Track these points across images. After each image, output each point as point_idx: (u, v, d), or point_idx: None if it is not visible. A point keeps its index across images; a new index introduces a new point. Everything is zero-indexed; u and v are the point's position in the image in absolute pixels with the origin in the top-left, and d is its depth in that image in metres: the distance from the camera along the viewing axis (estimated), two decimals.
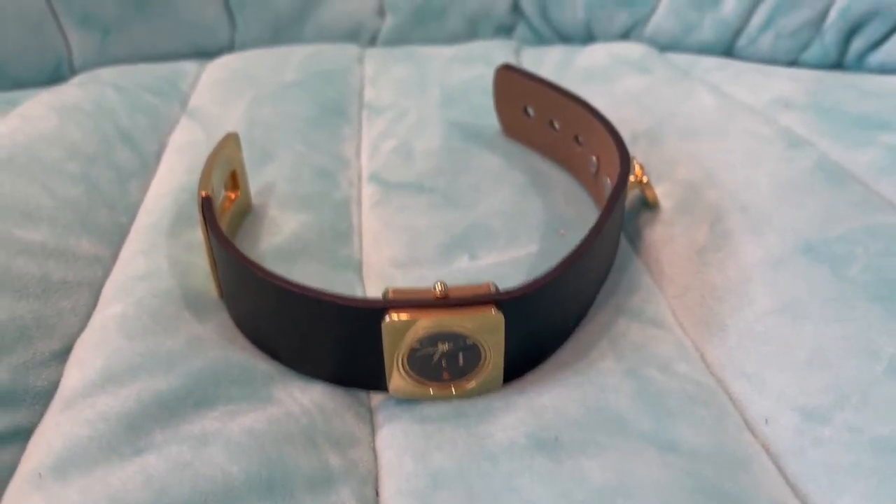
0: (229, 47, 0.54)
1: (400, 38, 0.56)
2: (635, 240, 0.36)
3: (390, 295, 0.26)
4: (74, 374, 0.28)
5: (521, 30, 0.56)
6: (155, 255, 0.34)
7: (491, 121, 0.44)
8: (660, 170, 0.39)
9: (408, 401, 0.28)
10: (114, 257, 0.35)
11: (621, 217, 0.33)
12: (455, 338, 0.26)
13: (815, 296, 0.29)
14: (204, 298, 0.32)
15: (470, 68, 0.51)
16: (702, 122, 0.41)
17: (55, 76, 0.48)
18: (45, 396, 0.28)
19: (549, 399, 0.27)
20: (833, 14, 0.45)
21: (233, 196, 0.36)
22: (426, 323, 0.26)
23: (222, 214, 0.35)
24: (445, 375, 0.27)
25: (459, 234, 0.36)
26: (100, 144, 0.40)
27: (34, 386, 0.28)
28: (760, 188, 0.35)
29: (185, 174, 0.40)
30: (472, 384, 0.27)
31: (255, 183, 0.39)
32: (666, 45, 0.52)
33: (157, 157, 0.42)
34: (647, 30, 0.52)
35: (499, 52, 0.54)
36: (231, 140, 0.35)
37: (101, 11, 0.49)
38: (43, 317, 0.30)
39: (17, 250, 0.31)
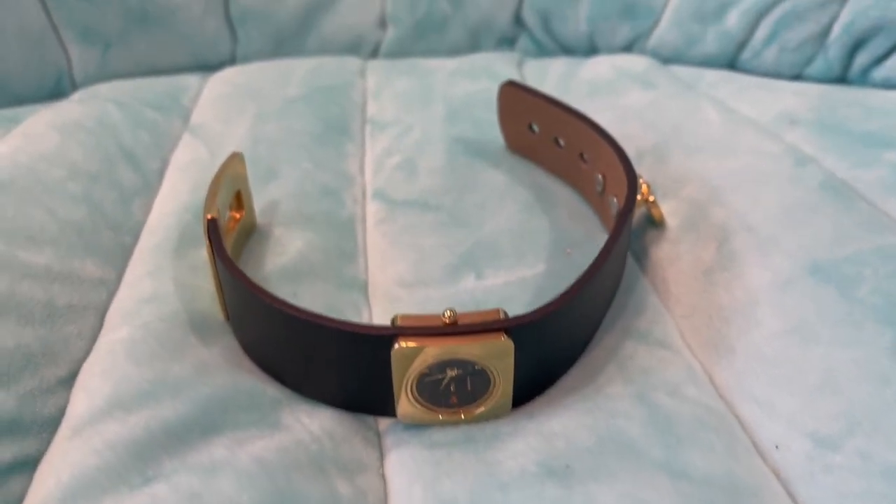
0: (231, 60, 0.54)
1: (401, 51, 0.56)
2: (641, 258, 0.36)
3: (399, 322, 0.26)
4: (82, 401, 0.28)
5: (523, 41, 0.56)
6: (160, 276, 0.34)
7: (495, 135, 0.44)
8: (665, 187, 0.39)
9: (416, 425, 0.28)
10: (119, 279, 0.34)
11: (628, 239, 0.33)
12: (464, 364, 0.26)
13: (824, 318, 0.29)
14: (210, 321, 0.32)
15: (473, 82, 0.51)
16: (707, 139, 0.41)
17: (56, 91, 0.48)
18: (52, 424, 0.28)
19: (558, 425, 0.27)
20: (837, 29, 0.45)
21: (237, 216, 0.36)
22: (435, 350, 0.25)
23: (227, 234, 0.35)
24: (454, 400, 0.27)
25: (465, 253, 0.36)
26: (102, 163, 0.40)
27: (41, 414, 0.28)
28: (767, 207, 0.35)
29: (188, 193, 0.40)
30: (480, 409, 0.27)
31: (259, 201, 0.39)
32: (669, 58, 0.52)
33: (160, 174, 0.42)
34: (649, 42, 0.52)
35: (501, 64, 0.53)
36: (236, 159, 0.35)
37: (102, 26, 0.48)
38: (49, 343, 0.30)
39: (22, 274, 0.31)
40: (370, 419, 0.29)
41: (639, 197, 0.35)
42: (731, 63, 0.50)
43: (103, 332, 0.31)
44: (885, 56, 0.44)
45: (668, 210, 0.37)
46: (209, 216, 0.31)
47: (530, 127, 0.41)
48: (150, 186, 0.41)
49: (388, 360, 0.26)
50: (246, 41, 0.54)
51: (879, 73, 0.44)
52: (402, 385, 0.26)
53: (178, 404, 0.27)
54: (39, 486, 0.25)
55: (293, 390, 0.29)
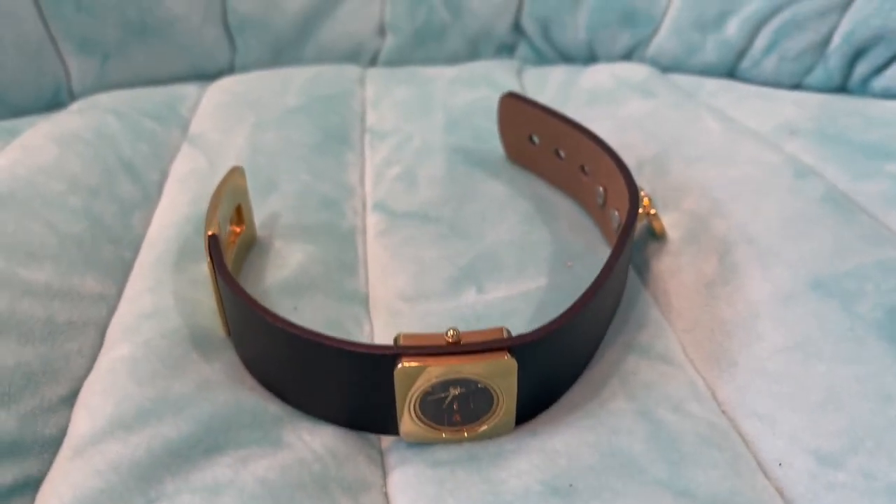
0: (229, 69, 0.54)
1: (400, 59, 0.55)
2: (643, 271, 0.36)
3: (402, 341, 0.26)
4: (83, 421, 0.28)
5: (522, 49, 0.56)
6: (161, 291, 0.34)
7: (495, 145, 0.44)
8: (666, 199, 0.39)
9: (419, 443, 0.28)
10: (119, 294, 0.34)
11: (630, 253, 0.33)
12: (467, 383, 0.26)
13: (827, 334, 0.29)
14: (211, 337, 0.32)
15: (472, 90, 0.51)
16: (707, 149, 0.41)
17: (54, 102, 0.48)
18: (53, 444, 0.28)
19: (561, 443, 0.27)
20: (837, 38, 0.45)
21: (238, 230, 0.36)
22: (438, 370, 0.25)
23: (227, 248, 0.34)
24: (457, 418, 0.27)
25: (466, 266, 0.36)
26: (101, 175, 0.40)
27: (42, 434, 0.28)
28: (768, 219, 0.35)
29: (187, 205, 0.39)
30: (484, 427, 0.27)
31: (259, 213, 0.39)
32: (668, 66, 0.52)
33: (159, 186, 0.42)
34: (649, 50, 0.52)
35: (500, 72, 0.53)
36: (236, 173, 0.35)
37: (101, 37, 0.48)
38: (49, 361, 0.30)
39: (22, 292, 0.31)
40: (373, 437, 0.29)
41: (640, 210, 0.35)
42: (731, 72, 0.50)
43: (104, 348, 0.31)
44: (885, 66, 0.44)
45: (669, 222, 0.37)
46: (210, 232, 0.31)
47: (530, 138, 0.41)
48: (149, 198, 0.41)
49: (391, 380, 0.26)
50: (244, 50, 0.54)
51: (879, 82, 0.44)
52: (405, 404, 0.26)
53: (181, 423, 0.27)
54: None
55: (295, 408, 0.29)
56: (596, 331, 0.31)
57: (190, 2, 0.50)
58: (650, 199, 0.36)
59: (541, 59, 0.56)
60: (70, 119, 0.44)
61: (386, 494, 0.27)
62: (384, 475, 0.27)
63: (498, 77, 0.53)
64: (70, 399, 0.29)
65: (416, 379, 0.26)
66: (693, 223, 0.36)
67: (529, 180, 0.42)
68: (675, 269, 0.35)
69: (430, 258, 0.37)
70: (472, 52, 0.56)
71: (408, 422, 0.27)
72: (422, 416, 0.27)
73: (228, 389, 0.29)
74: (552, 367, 0.28)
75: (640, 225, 0.37)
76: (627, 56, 0.53)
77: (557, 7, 0.53)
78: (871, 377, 0.27)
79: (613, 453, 0.26)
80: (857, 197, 0.36)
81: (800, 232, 0.34)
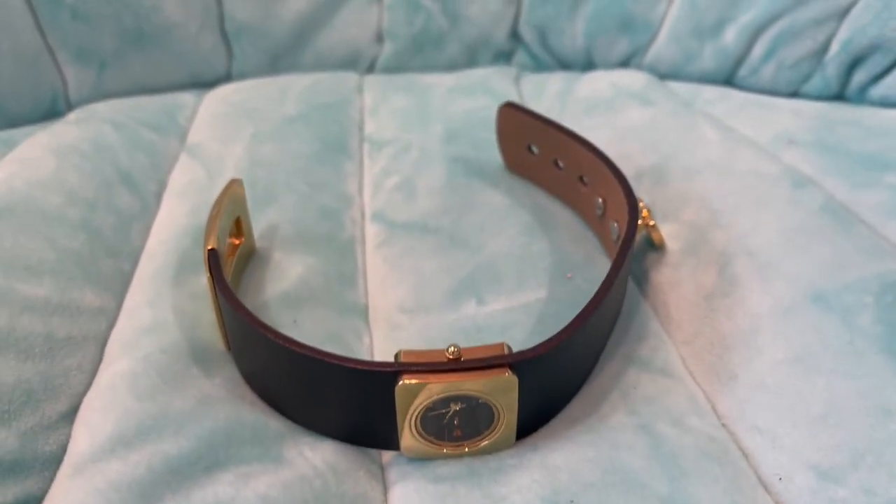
0: (226, 77, 0.54)
1: (398, 66, 0.55)
2: (642, 282, 0.36)
3: (402, 358, 0.26)
4: (83, 438, 0.28)
5: (520, 56, 0.56)
6: (160, 305, 0.34)
7: (493, 155, 0.44)
8: (665, 209, 0.39)
9: (420, 458, 0.28)
10: (118, 308, 0.34)
11: (629, 266, 0.33)
12: (468, 399, 0.26)
13: (827, 348, 0.29)
14: (211, 351, 0.32)
15: (470, 98, 0.51)
16: (706, 160, 0.41)
17: (51, 112, 0.48)
18: (54, 461, 0.27)
19: (562, 458, 0.27)
20: (835, 46, 0.45)
21: (237, 242, 0.36)
22: (439, 387, 0.25)
23: (226, 260, 0.34)
24: (458, 434, 0.27)
25: (466, 278, 0.36)
26: (99, 188, 0.40)
27: (43, 451, 0.28)
28: (767, 231, 0.35)
29: (186, 216, 0.39)
30: (484, 443, 0.27)
31: (258, 225, 0.39)
32: (666, 74, 0.52)
33: (158, 197, 0.42)
34: (647, 58, 0.52)
35: (498, 79, 0.53)
36: (234, 186, 0.35)
37: (98, 46, 0.48)
38: (49, 377, 0.30)
39: (22, 308, 0.31)
40: (374, 452, 0.29)
41: (639, 221, 0.35)
42: (729, 79, 0.50)
43: (103, 363, 0.31)
44: (882, 74, 0.44)
45: (669, 233, 0.37)
46: (209, 247, 0.31)
47: (529, 148, 0.41)
48: (147, 210, 0.41)
49: (391, 397, 0.26)
50: (242, 57, 0.53)
51: (877, 90, 0.44)
52: (406, 420, 0.26)
53: (181, 439, 0.27)
54: None
55: (296, 423, 0.29)
56: (596, 344, 0.31)
57: (187, 9, 0.50)
58: (649, 211, 0.36)
59: (539, 66, 0.56)
60: (67, 130, 0.44)
61: None
62: (385, 490, 0.27)
63: (496, 85, 0.53)
64: (70, 415, 0.29)
65: (416, 395, 0.26)
66: (692, 234, 0.37)
67: (528, 190, 0.42)
68: (675, 280, 0.35)
69: (429, 269, 0.37)
70: (470, 59, 0.56)
71: (408, 437, 0.27)
72: (422, 432, 0.27)
73: (229, 405, 0.29)
74: (553, 382, 0.28)
75: (640, 236, 0.37)
76: (625, 63, 0.53)
77: (555, 14, 0.53)
78: (871, 391, 0.27)
79: (614, 469, 0.26)
80: (855, 208, 0.37)
81: (799, 244, 0.34)
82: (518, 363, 0.26)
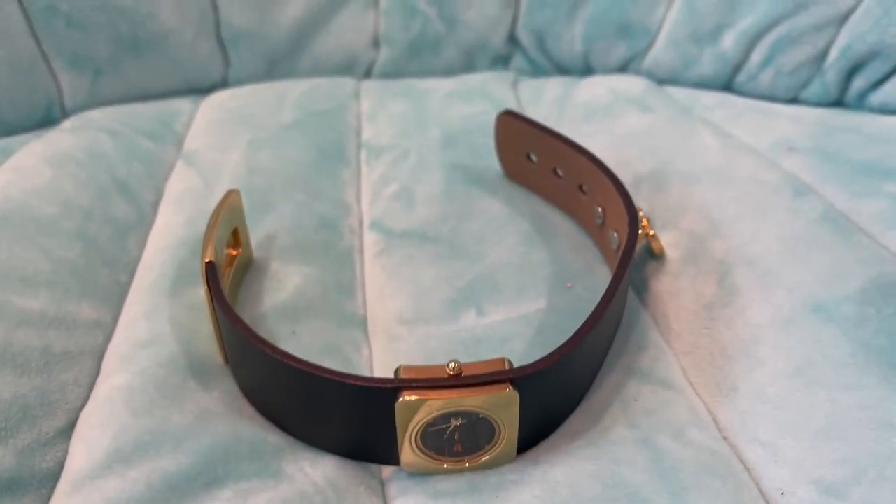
0: (223, 83, 0.54)
1: (395, 70, 0.55)
2: (641, 291, 0.36)
3: (402, 373, 0.26)
4: (81, 454, 0.27)
5: (517, 61, 0.56)
6: (157, 317, 0.33)
7: (492, 162, 0.44)
8: (664, 217, 0.39)
9: (420, 473, 0.27)
10: (115, 320, 0.34)
11: (629, 277, 0.33)
12: (468, 414, 0.26)
13: (828, 359, 0.29)
14: (209, 365, 0.31)
15: (468, 104, 0.50)
16: (705, 167, 0.41)
17: (46, 119, 0.48)
18: (51, 479, 0.27)
19: (563, 473, 0.27)
20: (834, 53, 0.45)
21: (234, 253, 0.36)
22: (439, 403, 0.25)
23: (224, 271, 0.34)
24: (458, 448, 0.27)
25: (465, 288, 0.36)
26: (95, 197, 0.40)
27: (40, 468, 0.27)
28: (767, 240, 0.35)
29: (183, 226, 0.39)
30: (485, 458, 0.27)
31: (255, 234, 0.38)
32: (664, 79, 0.52)
33: (154, 206, 0.42)
34: (645, 63, 0.52)
35: (496, 85, 0.53)
36: (232, 196, 0.35)
37: (92, 52, 0.48)
38: (46, 392, 0.29)
39: (18, 322, 0.31)
40: (374, 467, 0.28)
41: (639, 231, 0.35)
42: (727, 85, 0.50)
43: (100, 377, 0.31)
44: (882, 80, 0.44)
45: (668, 241, 0.37)
46: (207, 260, 0.30)
47: (528, 156, 0.40)
48: (144, 219, 0.40)
49: (391, 412, 0.25)
50: (238, 63, 0.53)
51: (876, 97, 0.44)
52: (406, 435, 0.26)
53: (180, 455, 0.27)
54: None
55: (295, 437, 0.29)
56: (597, 356, 0.31)
57: (183, 16, 0.50)
58: (649, 220, 0.36)
59: (536, 71, 0.56)
60: (63, 138, 0.44)
61: None
62: None
63: (494, 90, 0.52)
64: (67, 431, 0.29)
65: (417, 411, 0.25)
66: (692, 243, 0.36)
67: (527, 198, 0.42)
68: (675, 290, 0.35)
69: (428, 279, 0.37)
70: (468, 63, 0.55)
71: (408, 452, 0.27)
72: (423, 447, 0.27)
73: (227, 419, 0.29)
74: (554, 396, 0.28)
75: (639, 245, 0.37)
76: (623, 68, 0.53)
77: (553, 19, 0.52)
78: (873, 405, 0.27)
79: (615, 483, 0.26)
80: (855, 216, 0.36)
81: (799, 253, 0.34)
82: (519, 379, 0.25)
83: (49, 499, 0.27)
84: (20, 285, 0.32)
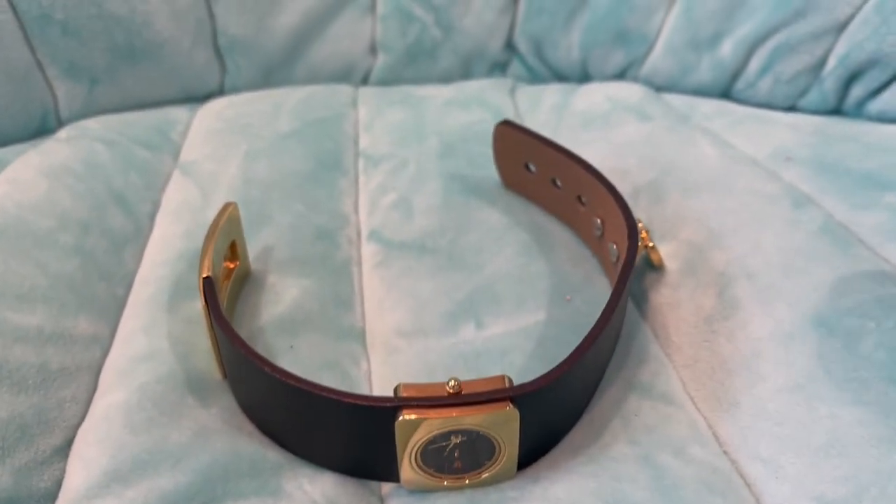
0: (219, 91, 0.53)
1: (392, 78, 0.55)
2: (641, 302, 0.36)
3: (402, 392, 0.26)
4: (78, 473, 0.27)
5: (515, 67, 0.56)
6: (154, 332, 0.33)
7: (490, 171, 0.44)
8: (663, 228, 0.38)
9: (420, 490, 0.27)
10: (112, 335, 0.34)
11: (629, 291, 0.33)
12: (469, 432, 0.26)
13: (829, 374, 0.29)
14: (207, 380, 0.31)
15: (466, 112, 0.50)
16: (704, 177, 0.41)
17: (42, 128, 0.47)
18: (49, 498, 0.27)
19: (563, 490, 0.27)
20: (832, 61, 0.44)
21: (232, 266, 0.36)
22: (439, 421, 0.25)
23: (222, 285, 0.34)
24: (458, 465, 0.27)
25: (464, 300, 0.36)
26: (92, 209, 0.39)
27: (38, 488, 0.27)
28: (767, 252, 0.35)
29: (180, 239, 0.39)
30: (485, 475, 0.27)
31: (253, 247, 0.38)
32: (662, 86, 0.52)
33: (151, 218, 0.41)
34: (643, 70, 0.52)
35: (493, 92, 0.53)
36: (229, 210, 0.34)
37: (88, 61, 0.47)
38: (43, 410, 0.29)
39: (14, 338, 0.31)
40: (373, 484, 0.28)
41: (639, 244, 0.34)
42: (726, 93, 0.50)
43: (98, 393, 0.31)
44: (880, 89, 0.44)
45: (667, 253, 0.37)
46: (205, 275, 0.30)
47: (527, 166, 0.40)
48: (141, 232, 0.40)
49: (391, 431, 0.25)
50: (235, 71, 0.53)
51: (875, 105, 0.44)
52: (406, 453, 0.26)
53: (178, 474, 0.27)
54: None
55: (295, 454, 0.29)
56: (597, 371, 0.30)
57: (179, 24, 0.50)
58: (648, 232, 0.36)
59: (534, 78, 0.56)
60: (59, 149, 0.44)
61: None
62: None
63: (491, 97, 0.52)
64: (64, 449, 0.29)
65: (416, 430, 0.25)
66: (691, 254, 0.36)
67: (526, 208, 0.41)
68: (674, 302, 0.35)
69: (427, 291, 0.36)
70: (465, 70, 0.55)
71: (408, 470, 0.27)
72: (423, 465, 0.26)
73: (226, 436, 0.29)
74: (554, 413, 0.28)
75: (638, 256, 0.37)
76: (621, 75, 0.53)
77: (550, 26, 0.52)
78: (875, 421, 0.27)
79: (616, 501, 0.26)
80: (855, 228, 0.36)
81: (799, 266, 0.34)
82: (519, 396, 0.25)
83: None
84: (17, 301, 0.32)
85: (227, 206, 0.34)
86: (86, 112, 0.48)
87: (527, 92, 0.54)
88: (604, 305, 0.31)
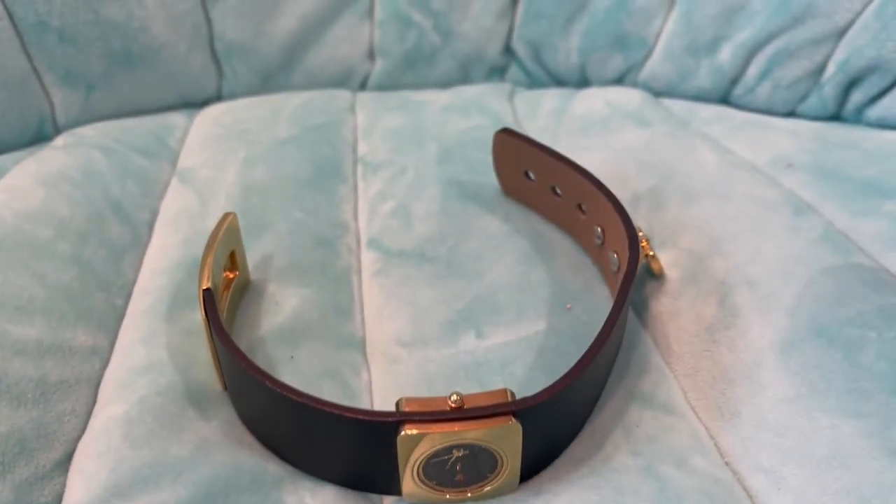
0: (217, 97, 0.53)
1: (390, 83, 0.55)
2: (641, 311, 0.36)
3: (404, 406, 0.26)
4: (78, 488, 0.27)
5: (513, 72, 0.55)
6: (154, 343, 0.33)
7: (489, 178, 0.44)
8: (663, 236, 0.38)
9: (422, 503, 0.27)
10: (111, 346, 0.34)
11: (630, 301, 0.33)
12: (471, 446, 0.26)
13: (830, 385, 0.29)
14: (207, 392, 0.31)
15: (465, 118, 0.50)
16: (704, 183, 0.41)
17: (39, 136, 0.47)
18: None
19: (566, 503, 0.27)
20: (832, 67, 0.44)
21: (231, 276, 0.35)
22: (442, 436, 0.25)
23: (221, 295, 0.34)
24: (460, 478, 0.27)
25: (464, 309, 0.36)
26: (90, 218, 0.39)
27: (38, 503, 0.27)
28: (768, 261, 0.35)
29: (178, 248, 0.39)
30: (487, 488, 0.27)
31: (252, 255, 0.38)
32: (661, 91, 0.52)
33: (149, 226, 0.41)
34: (641, 75, 0.52)
35: (492, 97, 0.53)
36: (229, 220, 0.34)
37: (85, 67, 0.47)
38: (43, 424, 0.29)
39: (14, 351, 0.30)
40: (375, 497, 0.28)
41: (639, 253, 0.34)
42: (725, 98, 0.50)
43: (97, 406, 0.31)
44: (880, 95, 0.44)
45: (667, 261, 0.37)
46: (204, 287, 0.30)
47: (526, 174, 0.40)
48: (139, 240, 0.40)
49: (393, 446, 0.25)
50: (232, 76, 0.53)
51: (874, 111, 0.44)
52: (408, 467, 0.26)
53: (179, 488, 0.27)
54: None
55: (296, 467, 0.28)
56: (599, 382, 0.30)
57: (175, 29, 0.49)
58: (648, 241, 0.36)
59: (532, 82, 0.56)
60: (56, 157, 0.43)
61: None
62: None
63: (490, 103, 0.52)
64: (64, 463, 0.29)
65: (418, 444, 0.25)
66: (691, 262, 0.36)
67: (525, 215, 0.41)
68: (675, 311, 0.35)
69: (426, 300, 0.36)
70: (463, 75, 0.55)
71: (410, 483, 0.26)
72: (425, 479, 0.26)
73: (227, 449, 0.29)
74: (557, 426, 0.28)
75: (639, 265, 0.37)
76: (620, 80, 0.53)
77: (548, 30, 0.52)
78: (876, 433, 0.27)
79: None
80: (855, 236, 0.36)
81: (800, 275, 0.34)
82: (522, 411, 0.25)
83: None
84: (16, 313, 0.32)
85: (226, 216, 0.34)
86: (82, 119, 0.48)
87: (525, 97, 0.54)
88: (604, 314, 0.31)
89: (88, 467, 0.28)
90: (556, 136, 0.48)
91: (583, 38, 0.52)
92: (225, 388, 0.31)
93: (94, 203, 0.40)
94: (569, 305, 0.35)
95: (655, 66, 0.51)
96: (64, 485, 0.28)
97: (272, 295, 0.36)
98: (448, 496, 0.27)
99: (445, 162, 0.46)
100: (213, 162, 0.46)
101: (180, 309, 0.35)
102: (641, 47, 0.51)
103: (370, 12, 0.53)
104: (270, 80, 0.54)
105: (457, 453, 0.26)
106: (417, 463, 0.26)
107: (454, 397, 0.25)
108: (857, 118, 0.45)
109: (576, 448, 0.29)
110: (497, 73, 0.56)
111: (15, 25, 0.44)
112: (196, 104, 0.53)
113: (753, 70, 0.47)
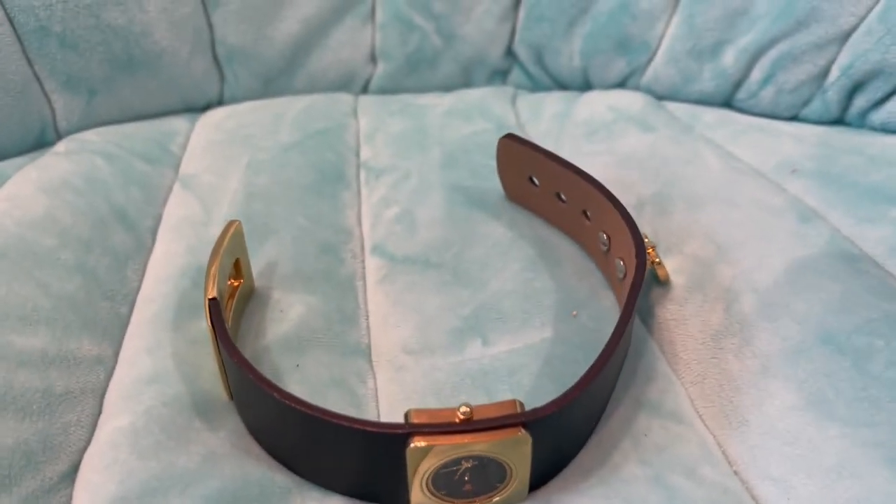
0: (218, 101, 0.53)
1: (393, 86, 0.55)
2: (647, 318, 0.36)
3: (413, 418, 0.25)
4: (85, 501, 0.27)
5: (515, 75, 0.55)
6: (159, 353, 0.33)
7: (493, 183, 0.44)
8: (668, 242, 0.38)
9: None
10: (116, 355, 0.34)
11: (636, 309, 0.33)
12: (480, 457, 0.26)
13: (839, 393, 0.29)
14: (213, 402, 0.31)
15: (468, 122, 0.50)
16: (709, 189, 0.41)
17: (40, 141, 0.47)
18: None
19: None
20: (835, 71, 0.44)
21: (236, 284, 0.35)
22: (451, 448, 0.25)
23: (226, 304, 0.34)
24: (469, 489, 0.27)
25: (470, 316, 0.35)
26: (93, 226, 0.39)
27: None
28: (774, 268, 0.35)
29: (182, 255, 0.39)
30: (496, 499, 0.27)
31: (256, 262, 0.38)
32: (664, 95, 0.51)
33: (153, 233, 0.41)
34: (644, 78, 0.52)
35: (495, 101, 0.53)
36: (233, 228, 0.34)
37: (86, 73, 0.47)
38: (48, 436, 0.29)
39: (18, 363, 0.30)
40: None
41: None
42: (728, 101, 0.50)
43: (103, 417, 0.31)
44: (883, 99, 0.44)
45: (673, 267, 0.37)
46: (210, 296, 0.30)
47: (531, 180, 0.40)
48: (143, 247, 0.40)
49: (402, 457, 0.25)
50: (234, 81, 0.52)
51: (878, 116, 0.44)
52: (416, 478, 0.26)
53: (187, 500, 0.27)
54: None
55: (302, 477, 0.28)
56: (606, 391, 0.30)
57: (177, 34, 0.49)
58: (654, 248, 0.36)
59: (535, 86, 0.55)
60: (58, 163, 0.43)
61: None
62: None
63: (492, 106, 0.52)
64: (70, 475, 0.28)
65: (427, 456, 0.25)
66: (697, 269, 0.36)
67: (530, 221, 0.41)
68: (681, 318, 0.35)
69: (432, 307, 0.36)
70: (465, 78, 0.55)
71: (419, 494, 0.26)
72: (433, 490, 0.26)
73: (234, 460, 0.29)
74: (565, 437, 0.28)
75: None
76: (622, 84, 0.53)
77: (551, 34, 0.52)
78: (886, 442, 0.27)
79: None
80: (861, 242, 0.36)
81: (807, 282, 0.33)
82: (531, 422, 0.25)
83: None
84: (19, 324, 0.32)
85: (230, 224, 0.34)
86: (84, 124, 0.48)
87: (528, 100, 0.54)
88: (610, 321, 0.31)
89: (95, 479, 0.28)
90: (559, 140, 0.48)
91: (585, 41, 0.52)
92: (231, 397, 0.31)
93: (97, 210, 0.40)
94: (575, 312, 0.35)
95: (658, 69, 0.51)
96: (70, 497, 0.28)
97: (277, 302, 0.36)
98: None
99: (449, 167, 0.46)
100: (216, 168, 0.45)
101: (185, 317, 0.35)
102: (644, 51, 0.51)
103: (372, 15, 0.53)
104: (272, 84, 0.53)
105: (465, 464, 0.26)
106: (426, 474, 0.26)
107: (463, 409, 0.25)
108: (861, 122, 0.45)
109: (584, 458, 0.29)
110: (499, 76, 0.56)
111: (16, 31, 0.44)
112: (198, 109, 0.53)
113: (757, 74, 0.47)
